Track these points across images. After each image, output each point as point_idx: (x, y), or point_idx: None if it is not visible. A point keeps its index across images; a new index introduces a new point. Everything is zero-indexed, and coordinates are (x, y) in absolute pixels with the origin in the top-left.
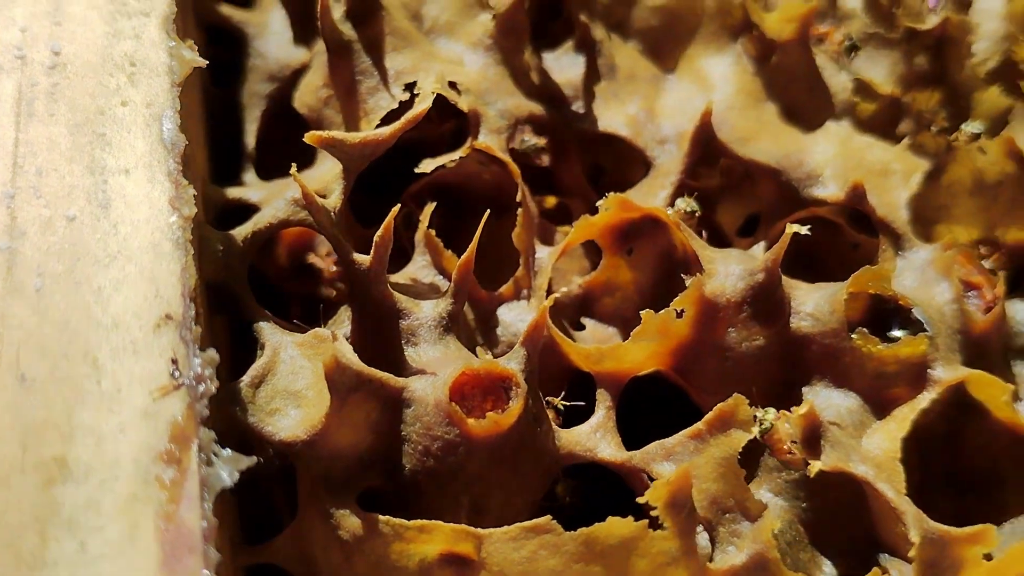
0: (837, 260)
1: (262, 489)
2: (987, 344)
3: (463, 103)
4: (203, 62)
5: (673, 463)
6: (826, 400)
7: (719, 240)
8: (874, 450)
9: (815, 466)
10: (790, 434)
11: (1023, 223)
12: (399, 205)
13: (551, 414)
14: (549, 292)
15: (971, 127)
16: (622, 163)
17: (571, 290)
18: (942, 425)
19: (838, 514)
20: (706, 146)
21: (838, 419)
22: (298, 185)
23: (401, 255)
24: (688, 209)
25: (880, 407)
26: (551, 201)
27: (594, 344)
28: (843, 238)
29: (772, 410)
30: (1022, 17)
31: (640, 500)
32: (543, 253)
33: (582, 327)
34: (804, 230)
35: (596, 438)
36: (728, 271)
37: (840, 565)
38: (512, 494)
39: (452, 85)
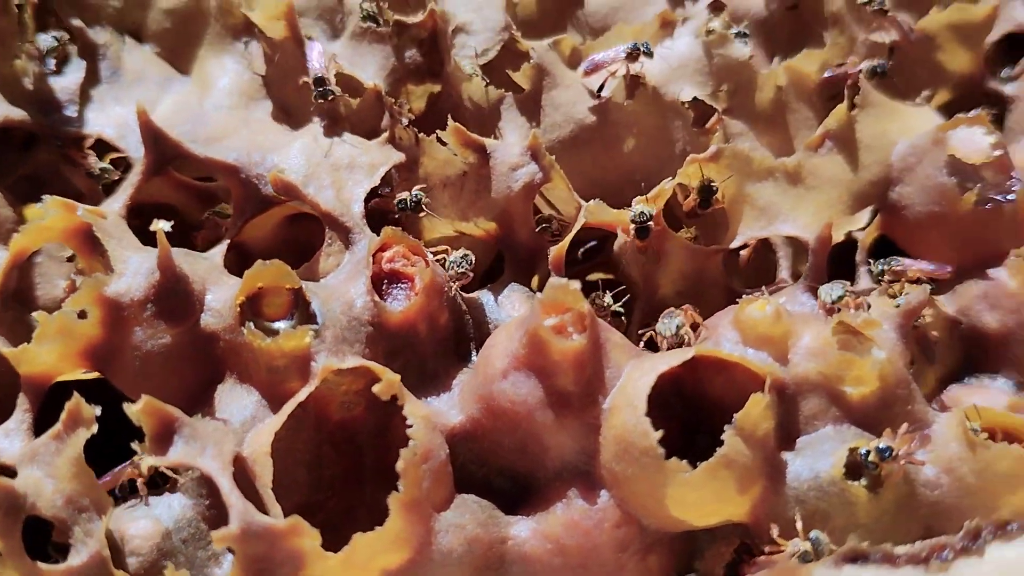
0: None
1: None
2: (413, 336)
3: None
4: None
5: (37, 466)
6: (231, 397)
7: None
8: (253, 444)
9: (148, 461)
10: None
11: (489, 212)
12: None
13: None
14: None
15: None
16: None
17: (57, 294)
18: (372, 418)
19: None
20: (156, 146)
21: (230, 416)
22: None
23: None
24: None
25: (278, 402)
26: None
27: None
28: None
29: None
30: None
31: None
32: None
33: None
34: (167, 226)
35: (3, 442)
36: (137, 270)
37: None
38: None
39: None
